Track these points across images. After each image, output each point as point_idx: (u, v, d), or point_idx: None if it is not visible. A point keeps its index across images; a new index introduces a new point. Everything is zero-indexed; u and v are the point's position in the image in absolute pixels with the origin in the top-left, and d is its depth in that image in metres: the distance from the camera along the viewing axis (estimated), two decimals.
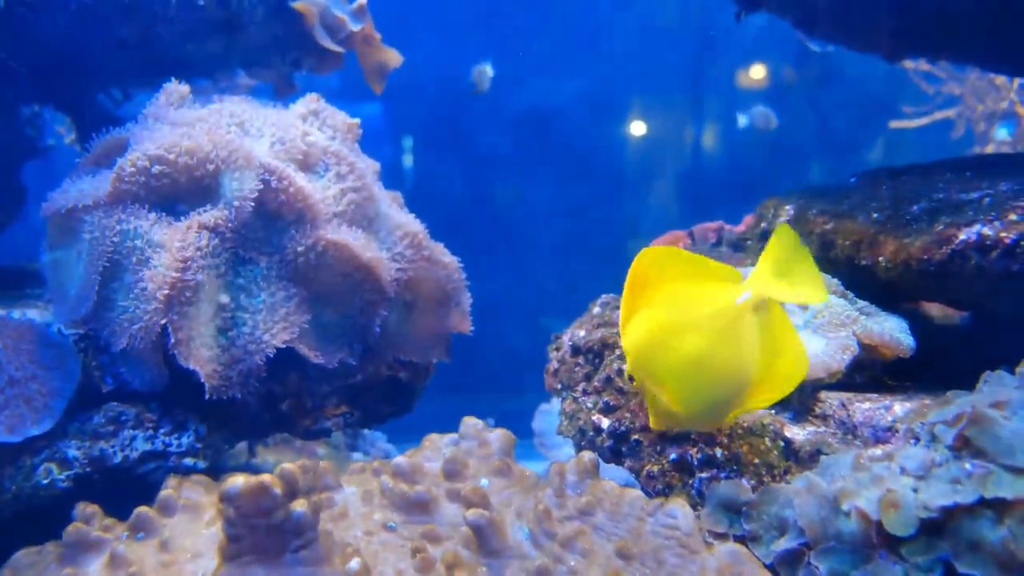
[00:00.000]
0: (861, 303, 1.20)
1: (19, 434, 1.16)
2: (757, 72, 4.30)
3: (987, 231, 1.07)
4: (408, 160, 4.31)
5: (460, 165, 4.28)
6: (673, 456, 1.18)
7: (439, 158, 4.32)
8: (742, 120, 3.51)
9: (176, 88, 1.43)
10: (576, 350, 1.46)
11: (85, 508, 1.09)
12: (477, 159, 4.29)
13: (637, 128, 4.43)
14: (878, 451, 0.99)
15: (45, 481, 1.18)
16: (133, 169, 1.25)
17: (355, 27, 1.77)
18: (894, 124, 3.54)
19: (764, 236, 1.60)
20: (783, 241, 0.83)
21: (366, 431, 2.42)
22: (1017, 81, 3.39)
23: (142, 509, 1.07)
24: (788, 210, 1.46)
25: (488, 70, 3.28)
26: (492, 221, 4.16)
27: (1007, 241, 1.05)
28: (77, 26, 1.54)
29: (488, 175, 4.28)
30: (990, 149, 3.47)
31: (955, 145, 3.52)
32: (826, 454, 1.03)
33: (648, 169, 4.44)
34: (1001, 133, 3.41)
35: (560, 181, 4.31)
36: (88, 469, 1.21)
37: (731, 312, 0.81)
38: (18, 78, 1.70)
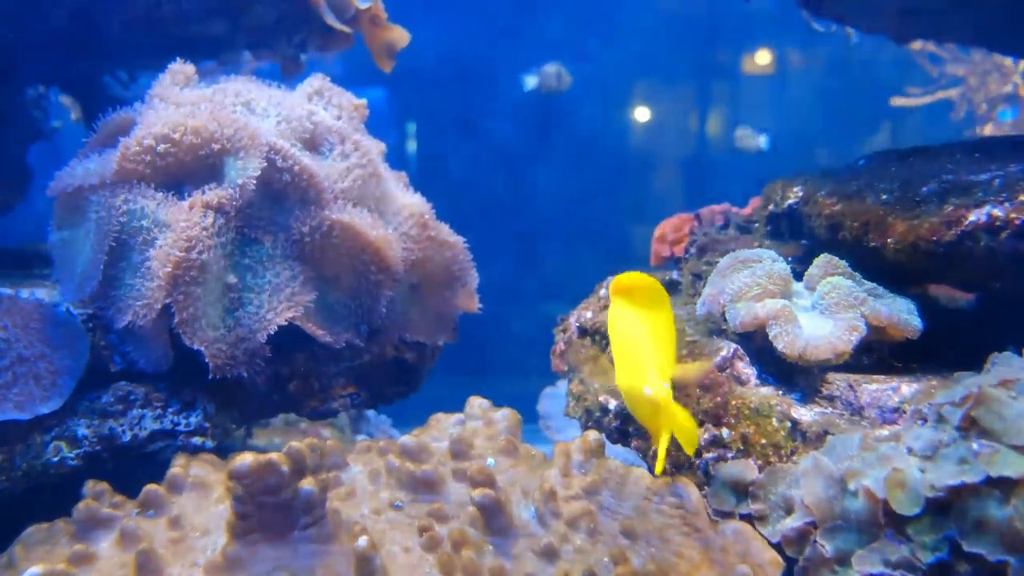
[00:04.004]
0: (869, 285, 1.19)
1: (28, 412, 1.16)
2: (763, 57, 4.27)
3: (997, 212, 1.06)
4: (412, 145, 4.30)
5: (465, 150, 4.26)
6: None
7: (444, 143, 4.31)
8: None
9: (182, 68, 1.42)
10: (583, 331, 1.46)
11: (95, 486, 1.10)
12: (482, 144, 4.27)
13: (643, 112, 4.41)
14: (885, 432, 0.99)
15: (55, 459, 1.19)
16: (138, 148, 1.24)
17: (362, 6, 1.75)
18: (895, 101, 3.51)
19: (771, 218, 1.59)
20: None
21: (371, 415, 2.42)
22: (1023, 63, 3.36)
23: (151, 487, 1.08)
24: (796, 191, 1.45)
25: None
26: (497, 206, 4.15)
27: (1017, 222, 1.04)
28: (83, 6, 1.53)
29: (493, 160, 4.27)
30: (988, 130, 3.44)
31: (959, 128, 3.50)
32: (833, 435, 1.03)
33: (654, 153, 4.42)
34: (1004, 116, 3.38)
35: (565, 165, 4.29)
36: (97, 447, 1.21)
37: (638, 393, 0.98)
38: (24, 59, 1.69)
